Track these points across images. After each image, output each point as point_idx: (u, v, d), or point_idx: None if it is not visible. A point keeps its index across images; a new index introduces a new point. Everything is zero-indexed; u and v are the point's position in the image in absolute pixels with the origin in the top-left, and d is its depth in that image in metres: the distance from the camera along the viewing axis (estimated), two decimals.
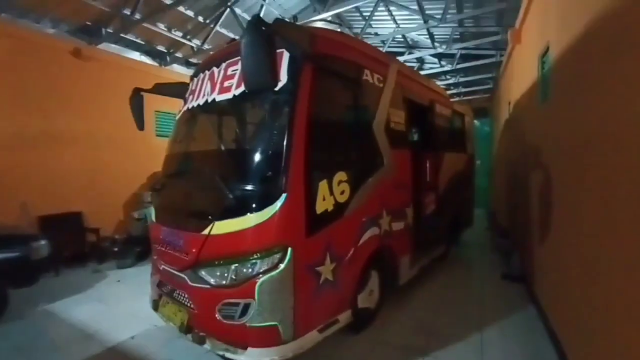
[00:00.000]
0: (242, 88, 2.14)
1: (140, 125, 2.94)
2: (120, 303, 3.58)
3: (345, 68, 2.48)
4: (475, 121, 10.27)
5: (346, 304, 2.46)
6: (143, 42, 6.04)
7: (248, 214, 1.90)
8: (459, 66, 7.18)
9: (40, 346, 2.73)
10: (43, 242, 3.41)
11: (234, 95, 2.21)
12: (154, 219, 2.56)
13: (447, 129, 4.62)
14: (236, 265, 1.91)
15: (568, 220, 2.43)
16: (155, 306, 2.46)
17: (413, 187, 3.43)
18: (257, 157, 2.06)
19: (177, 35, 5.94)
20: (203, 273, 2.01)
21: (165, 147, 2.87)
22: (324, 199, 2.13)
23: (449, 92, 10.36)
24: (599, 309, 1.78)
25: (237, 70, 2.25)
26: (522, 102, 4.58)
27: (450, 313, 3.22)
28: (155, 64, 6.51)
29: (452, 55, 7.11)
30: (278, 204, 1.87)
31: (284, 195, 1.88)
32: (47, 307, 3.46)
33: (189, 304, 2.13)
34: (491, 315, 3.14)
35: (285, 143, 1.93)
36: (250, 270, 1.88)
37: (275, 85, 1.71)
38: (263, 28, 1.65)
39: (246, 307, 1.87)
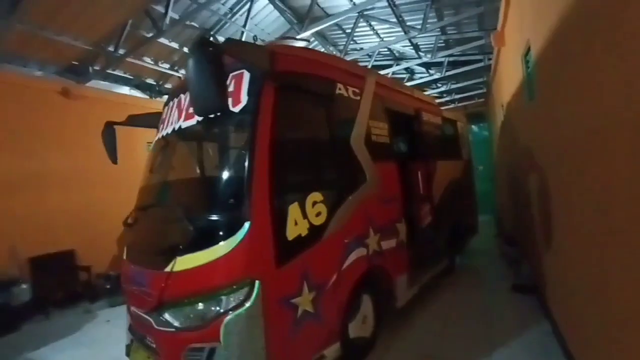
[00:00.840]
0: None
1: (114, 159, 2.87)
2: (106, 346, 3.38)
3: (313, 84, 2.38)
4: (474, 126, 10.19)
5: (333, 336, 2.24)
6: (131, 77, 6.15)
7: (210, 246, 1.75)
8: (448, 73, 7.13)
9: None
10: (24, 286, 3.30)
11: (197, 122, 2.12)
12: (124, 256, 2.42)
13: (439, 136, 4.47)
14: (200, 304, 1.74)
15: (566, 224, 2.23)
16: (128, 351, 2.28)
17: (404, 201, 3.25)
18: (218, 184, 1.93)
19: (164, 67, 6.04)
20: (167, 315, 1.84)
21: None
22: (295, 224, 1.98)
23: (441, 99, 10.31)
24: (608, 323, 1.56)
25: None
26: (513, 104, 4.44)
27: (456, 335, 2.95)
28: (146, 96, 6.59)
29: (440, 64, 7.07)
30: (241, 233, 1.72)
31: (247, 224, 1.73)
32: (31, 355, 3.29)
33: (155, 350, 1.94)
34: (501, 335, 2.86)
35: (246, 168, 1.80)
36: (215, 309, 1.71)
37: (226, 109, 1.59)
38: (210, 48, 1.56)
39: (212, 353, 1.68)
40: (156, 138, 2.66)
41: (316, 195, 2.15)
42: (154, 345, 1.96)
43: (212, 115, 1.81)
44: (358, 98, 2.84)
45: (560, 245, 2.46)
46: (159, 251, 2.00)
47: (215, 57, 1.56)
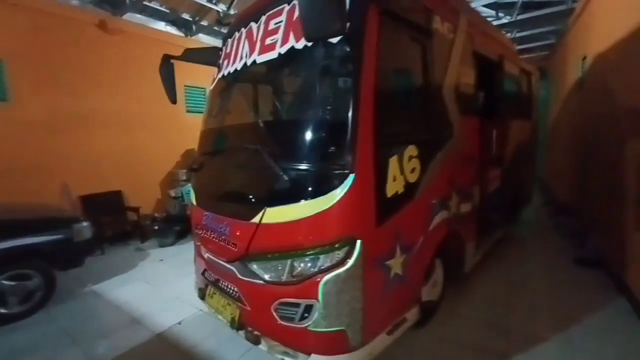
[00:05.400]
0: (289, 44, 1.73)
1: (173, 98, 2.62)
2: (165, 284, 3.51)
3: (414, 13, 1.95)
4: None
5: (414, 299, 2.12)
6: (167, 10, 5.66)
7: (307, 199, 1.55)
8: (519, 17, 6.13)
9: (88, 330, 2.68)
10: (85, 224, 3.34)
11: (280, 54, 1.80)
12: (194, 202, 2.31)
13: (515, 91, 3.94)
14: (294, 259, 1.60)
15: None
16: (202, 295, 2.26)
17: (481, 162, 2.92)
18: (316, 129, 1.64)
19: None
20: (254, 267, 1.73)
21: (197, 123, 2.54)
22: (394, 179, 1.74)
23: None
24: None
25: (281, 22, 1.83)
26: (610, 55, 3.75)
27: (522, 306, 2.81)
28: (181, 34, 6.14)
29: (512, 5, 6.06)
30: (345, 187, 1.50)
31: (351, 177, 1.51)
32: (94, 288, 3.46)
33: (239, 299, 1.88)
34: (572, 309, 2.69)
35: (350, 110, 1.52)
36: (311, 266, 1.57)
37: (344, 30, 1.26)
38: None
39: (308, 309, 1.58)
40: (219, 76, 2.37)
41: (412, 149, 1.88)
42: (236, 294, 1.90)
43: (326, 40, 1.49)
44: (452, 36, 2.38)
45: None
46: (243, 200, 1.83)
47: None
